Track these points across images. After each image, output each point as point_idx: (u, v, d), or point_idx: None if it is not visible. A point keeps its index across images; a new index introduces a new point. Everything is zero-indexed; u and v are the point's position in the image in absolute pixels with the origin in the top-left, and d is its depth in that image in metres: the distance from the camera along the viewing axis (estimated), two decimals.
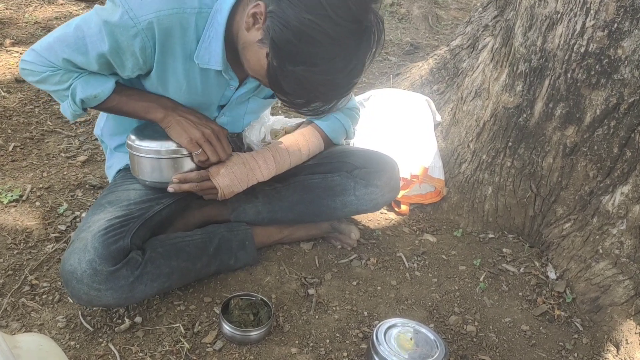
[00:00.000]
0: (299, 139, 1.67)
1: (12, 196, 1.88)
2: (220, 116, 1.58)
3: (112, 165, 1.70)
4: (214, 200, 1.67)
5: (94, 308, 1.51)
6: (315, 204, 1.70)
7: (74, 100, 1.41)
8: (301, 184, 1.71)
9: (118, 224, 1.42)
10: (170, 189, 1.47)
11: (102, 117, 1.70)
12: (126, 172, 1.64)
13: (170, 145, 1.45)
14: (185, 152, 1.46)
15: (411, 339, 1.41)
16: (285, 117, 1.85)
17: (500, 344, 1.56)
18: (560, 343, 1.59)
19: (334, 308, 1.62)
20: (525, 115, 1.89)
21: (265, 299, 1.53)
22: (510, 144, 1.95)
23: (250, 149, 1.74)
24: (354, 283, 1.72)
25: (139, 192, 1.55)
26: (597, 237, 1.77)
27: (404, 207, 2.09)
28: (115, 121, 1.64)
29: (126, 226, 1.43)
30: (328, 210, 1.72)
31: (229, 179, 1.51)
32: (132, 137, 1.49)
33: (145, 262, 1.42)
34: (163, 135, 1.46)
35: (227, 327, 1.44)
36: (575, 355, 1.56)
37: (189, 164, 1.49)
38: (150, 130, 1.51)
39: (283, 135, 1.74)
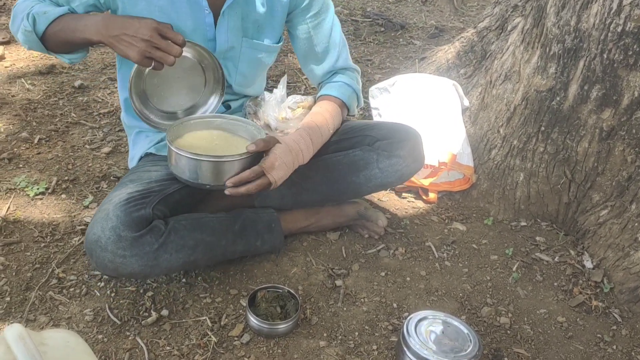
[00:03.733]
0: (325, 115, 1.63)
1: (38, 189, 1.88)
2: None
3: (135, 156, 1.70)
4: None
5: (121, 300, 1.50)
6: (340, 182, 1.67)
7: (27, 17, 1.40)
8: (324, 163, 1.67)
9: (139, 195, 1.44)
10: (227, 192, 1.42)
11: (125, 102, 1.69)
12: (147, 157, 1.64)
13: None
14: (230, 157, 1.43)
15: (443, 333, 1.37)
16: (302, 95, 1.83)
17: (536, 336, 1.51)
18: (598, 335, 1.53)
19: (362, 300, 1.58)
20: (558, 99, 1.82)
21: (292, 291, 1.50)
22: (542, 128, 1.88)
23: (267, 125, 1.71)
24: (382, 274, 1.68)
25: (159, 173, 1.56)
26: (636, 224, 1.70)
27: (432, 195, 2.04)
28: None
29: (147, 198, 1.45)
30: (353, 186, 1.68)
31: (283, 170, 1.46)
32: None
33: (168, 231, 1.43)
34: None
35: (254, 320, 1.41)
36: (614, 347, 1.50)
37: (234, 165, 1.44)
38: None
39: (301, 112, 1.72)
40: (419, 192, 2.06)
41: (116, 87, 2.48)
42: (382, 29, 3.75)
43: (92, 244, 1.36)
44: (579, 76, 1.75)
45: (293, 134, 1.54)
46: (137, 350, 1.38)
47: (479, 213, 2.00)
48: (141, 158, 1.67)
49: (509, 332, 1.52)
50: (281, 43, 1.68)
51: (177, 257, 1.43)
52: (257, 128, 1.57)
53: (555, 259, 1.79)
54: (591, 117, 1.76)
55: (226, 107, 1.71)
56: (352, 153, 1.65)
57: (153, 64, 1.33)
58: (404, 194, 2.07)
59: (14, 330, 0.97)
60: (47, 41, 1.43)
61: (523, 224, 1.95)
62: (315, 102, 1.73)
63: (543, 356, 1.46)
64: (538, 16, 1.90)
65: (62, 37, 1.42)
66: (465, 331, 1.37)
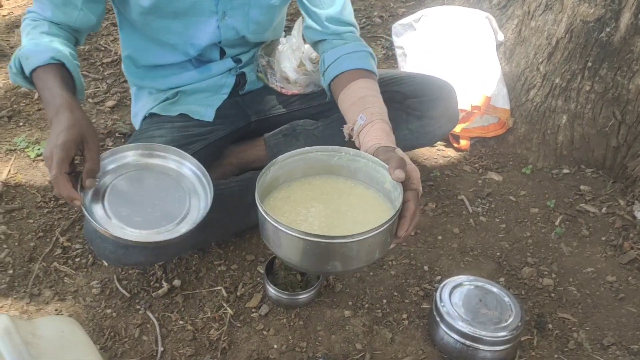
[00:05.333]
0: (376, 94, 1.34)
1: (39, 149, 1.76)
2: (222, 17, 1.37)
3: (138, 113, 1.55)
4: (250, 141, 1.57)
5: (130, 270, 1.40)
6: None
7: (14, 58, 1.24)
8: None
9: None
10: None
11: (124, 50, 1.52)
12: (152, 119, 1.48)
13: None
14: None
15: (481, 301, 1.23)
16: None
17: (583, 299, 1.37)
18: None
19: (389, 263, 1.45)
20: (608, 30, 1.61)
21: None
22: (589, 64, 1.67)
23: (285, 78, 1.53)
24: (412, 233, 1.54)
25: (164, 139, 1.39)
26: None
27: (463, 142, 1.86)
28: (133, 56, 1.48)
29: None
30: None
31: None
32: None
33: None
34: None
35: (272, 290, 1.30)
36: None
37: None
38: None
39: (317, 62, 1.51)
40: (449, 140, 1.89)
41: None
42: None
43: (91, 233, 1.22)
44: (632, 3, 1.54)
45: (381, 130, 1.21)
46: (148, 325, 1.28)
47: (516, 161, 1.82)
48: (145, 118, 1.51)
49: (552, 295, 1.38)
50: None
51: (185, 240, 1.29)
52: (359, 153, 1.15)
53: (603, 210, 1.62)
54: None
55: (236, 61, 1.53)
56: None
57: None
58: None
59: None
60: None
61: (565, 171, 1.77)
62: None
63: (591, 321, 1.32)
64: None
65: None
66: (506, 299, 1.23)
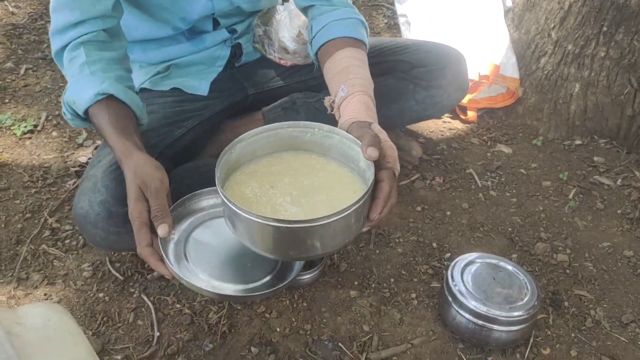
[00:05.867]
0: (366, 69, 1.23)
1: (25, 127, 1.68)
2: None
3: None
4: (247, 116, 1.47)
5: (123, 252, 1.32)
6: None
7: (64, 104, 1.13)
8: None
9: None
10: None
11: None
12: (142, 94, 1.38)
13: None
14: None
15: (494, 279, 1.17)
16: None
17: (599, 275, 1.31)
18: None
19: (396, 240, 1.38)
20: None
21: None
22: (605, 29, 1.58)
23: (283, 48, 1.44)
24: (418, 208, 1.47)
25: (156, 116, 1.30)
26: None
27: (470, 114, 1.78)
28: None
29: None
30: (383, 119, 1.41)
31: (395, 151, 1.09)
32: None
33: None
34: None
35: None
36: None
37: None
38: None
39: None
40: (455, 111, 1.80)
41: None
42: None
43: (81, 218, 1.12)
44: None
45: (360, 103, 1.11)
46: (143, 309, 1.21)
47: (526, 132, 1.75)
48: (136, 93, 1.42)
49: (568, 271, 1.32)
50: None
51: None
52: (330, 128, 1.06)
53: (618, 182, 1.55)
54: None
55: (231, 31, 1.43)
56: (384, 81, 1.39)
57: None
58: None
59: None
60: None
61: (578, 142, 1.70)
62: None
63: (609, 298, 1.26)
64: None
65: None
66: (521, 277, 1.17)
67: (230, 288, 0.99)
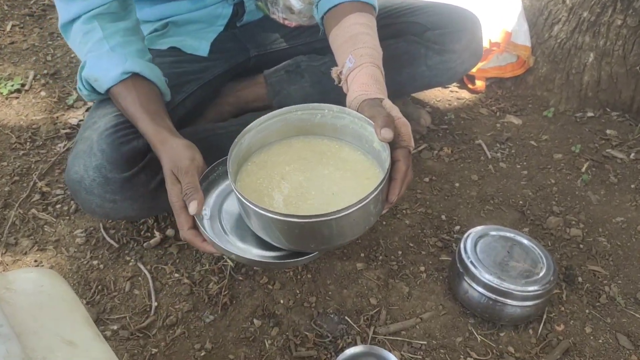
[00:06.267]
0: (375, 37, 1.15)
1: (12, 86, 1.59)
2: None
3: None
4: (249, 78, 1.39)
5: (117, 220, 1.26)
6: None
7: (81, 80, 1.08)
8: None
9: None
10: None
11: None
12: None
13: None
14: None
15: (509, 253, 1.12)
16: None
17: (613, 250, 1.27)
18: None
19: (404, 212, 1.33)
20: None
21: None
22: None
23: (288, 8, 1.36)
24: (426, 180, 1.41)
25: None
26: None
27: (479, 83, 1.72)
28: None
29: None
30: (393, 85, 1.35)
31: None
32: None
33: None
34: None
35: None
36: None
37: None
38: None
39: None
40: (463, 80, 1.74)
41: None
42: None
43: (75, 184, 1.05)
44: None
45: (368, 76, 1.03)
46: (139, 278, 1.15)
47: (536, 103, 1.69)
48: None
49: (581, 246, 1.27)
50: None
51: None
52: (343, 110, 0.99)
53: (631, 156, 1.50)
54: None
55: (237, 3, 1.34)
56: (395, 45, 1.32)
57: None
58: None
59: None
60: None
61: (590, 114, 1.64)
62: None
63: (624, 274, 1.22)
64: None
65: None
66: (537, 251, 1.12)
67: (272, 255, 0.94)
